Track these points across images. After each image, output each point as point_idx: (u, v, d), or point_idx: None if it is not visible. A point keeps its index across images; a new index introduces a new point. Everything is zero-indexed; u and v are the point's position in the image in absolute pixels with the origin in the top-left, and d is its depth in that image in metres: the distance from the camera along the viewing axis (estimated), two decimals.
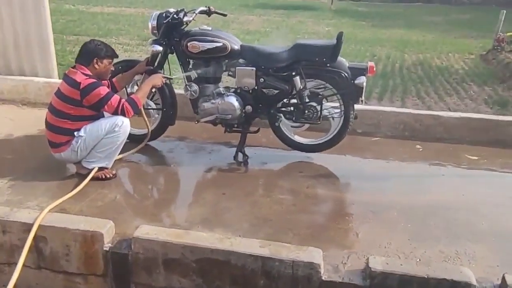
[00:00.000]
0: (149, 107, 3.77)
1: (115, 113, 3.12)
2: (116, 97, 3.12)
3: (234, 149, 3.74)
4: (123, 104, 3.12)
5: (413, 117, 4.14)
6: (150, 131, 3.71)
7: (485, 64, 9.67)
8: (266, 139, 3.90)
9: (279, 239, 2.58)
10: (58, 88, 3.17)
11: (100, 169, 3.24)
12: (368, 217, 2.89)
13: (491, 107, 6.11)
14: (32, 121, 4.23)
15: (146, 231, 2.52)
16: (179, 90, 3.90)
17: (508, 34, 10.82)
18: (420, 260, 2.47)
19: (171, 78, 3.61)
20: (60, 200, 2.85)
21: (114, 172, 3.30)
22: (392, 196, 3.14)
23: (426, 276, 2.24)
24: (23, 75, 4.81)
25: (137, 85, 3.79)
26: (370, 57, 8.98)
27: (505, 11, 11.22)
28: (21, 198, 2.97)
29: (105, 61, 3.18)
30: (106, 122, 3.13)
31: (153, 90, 3.73)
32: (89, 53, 3.14)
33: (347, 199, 3.13)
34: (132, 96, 3.26)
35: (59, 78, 5.00)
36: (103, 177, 3.24)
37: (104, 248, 2.55)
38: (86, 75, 3.08)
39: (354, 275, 2.37)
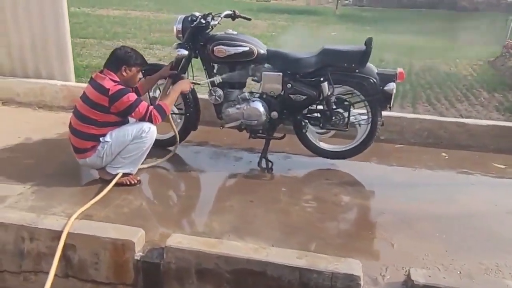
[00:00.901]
0: (172, 112, 3.71)
1: (142, 119, 3.07)
2: (144, 104, 3.06)
3: (257, 155, 3.68)
4: (151, 111, 3.06)
5: (437, 124, 4.08)
6: (178, 139, 3.64)
7: (493, 71, 9.63)
8: (288, 145, 3.83)
9: (312, 249, 2.52)
10: (84, 92, 3.10)
11: (125, 175, 3.18)
12: (401, 227, 2.83)
13: (502, 114, 6.06)
14: (50, 125, 4.18)
15: (179, 240, 2.46)
16: (201, 95, 3.84)
17: None
18: (461, 272, 2.41)
19: (199, 84, 3.55)
20: (86, 206, 2.79)
21: (138, 178, 3.24)
22: (423, 205, 3.08)
23: None
24: (39, 78, 4.76)
25: (159, 89, 3.75)
26: (378, 62, 8.92)
27: None
28: (45, 204, 2.90)
29: (134, 69, 3.11)
30: (133, 128, 3.07)
31: None
32: (118, 60, 3.08)
33: (376, 207, 3.06)
34: (160, 103, 3.20)
35: (76, 81, 4.96)
36: (128, 183, 3.18)
37: (135, 257, 2.49)
38: (114, 81, 3.03)
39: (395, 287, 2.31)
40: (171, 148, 3.71)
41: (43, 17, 4.59)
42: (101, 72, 3.10)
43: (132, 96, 3.03)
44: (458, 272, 2.40)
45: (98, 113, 3.02)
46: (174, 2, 17.90)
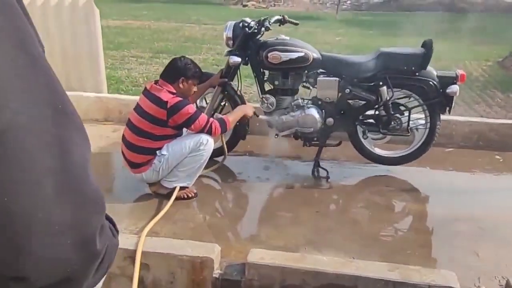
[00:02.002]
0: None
1: (201, 131, 2.95)
2: (204, 116, 2.95)
3: (307, 163, 3.59)
4: (211, 123, 2.95)
5: (487, 126, 3.99)
6: (226, 151, 3.51)
7: (504, 71, 9.60)
8: (337, 152, 3.73)
9: (397, 260, 2.40)
10: (138, 104, 2.98)
11: (181, 188, 3.05)
12: (480, 234, 2.73)
13: None
14: (89, 138, 4.04)
15: (261, 255, 2.33)
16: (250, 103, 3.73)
17: None
18: None
19: (257, 116, 3.43)
20: (154, 222, 2.67)
21: (195, 191, 3.11)
22: (494, 211, 2.98)
23: None
24: (70, 90, 4.62)
25: (205, 99, 3.64)
26: None
27: None
28: None
29: (191, 82, 2.98)
30: (190, 141, 2.94)
31: (223, 103, 3.58)
32: (177, 71, 2.95)
33: (448, 215, 2.95)
34: (223, 117, 3.09)
35: (108, 93, 4.84)
36: (185, 196, 3.05)
37: (214, 275, 2.36)
38: (171, 93, 2.90)
39: None
40: (218, 158, 3.59)
41: (74, 27, 4.48)
42: (156, 82, 2.98)
43: (192, 108, 2.92)
44: None
45: (155, 127, 2.89)
46: (173, 11, 17.81)
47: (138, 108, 2.98)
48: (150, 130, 2.91)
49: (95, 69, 4.60)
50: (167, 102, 2.85)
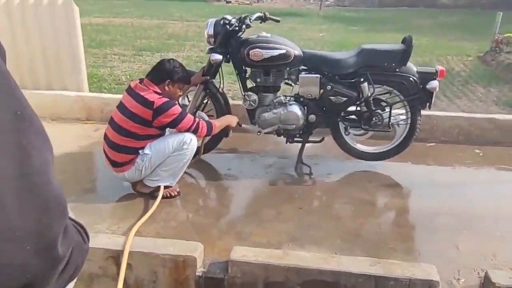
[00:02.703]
0: (203, 119, 3.59)
1: (186, 131, 2.94)
2: (190, 116, 2.96)
3: (290, 159, 3.60)
4: (198, 123, 2.97)
5: (467, 121, 4.04)
6: (202, 151, 3.49)
7: (484, 66, 9.73)
8: (320, 149, 3.75)
9: (379, 255, 2.43)
10: (122, 103, 2.95)
11: (165, 187, 3.04)
12: (460, 227, 2.76)
13: (502, 108, 6.10)
14: (69, 138, 4.00)
15: (243, 253, 2.34)
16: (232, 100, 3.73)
17: (506, 35, 10.94)
18: None
19: (240, 126, 3.44)
20: (140, 223, 2.65)
21: (178, 190, 3.10)
22: (474, 204, 3.02)
23: None
24: (51, 89, 4.57)
25: (187, 97, 3.63)
26: None
27: (502, 13, 11.36)
28: (87, 221, 2.69)
29: (177, 85, 2.98)
30: (173, 140, 2.93)
31: (206, 101, 3.57)
32: (164, 73, 2.93)
33: (429, 209, 2.98)
34: (211, 121, 3.11)
35: (91, 91, 4.80)
36: (168, 195, 3.04)
37: (197, 273, 2.36)
38: (157, 93, 2.88)
39: None
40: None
41: (54, 26, 4.40)
42: (141, 81, 2.96)
43: (178, 109, 2.90)
44: None
45: (139, 127, 2.87)
46: (156, 8, 17.67)
47: (122, 107, 2.95)
48: (134, 130, 2.89)
49: (76, 68, 4.54)
50: (153, 102, 2.83)
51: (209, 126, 3.04)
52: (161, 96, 2.87)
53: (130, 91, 2.94)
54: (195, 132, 2.95)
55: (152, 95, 2.84)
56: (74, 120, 4.44)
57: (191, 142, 2.96)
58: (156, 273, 2.37)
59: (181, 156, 2.96)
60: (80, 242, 0.65)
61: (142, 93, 2.85)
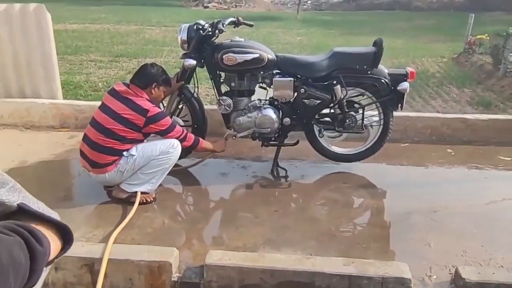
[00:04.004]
0: (178, 125, 3.58)
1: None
2: (179, 128, 3.09)
3: (266, 163, 3.62)
4: (186, 133, 3.10)
5: (440, 121, 4.13)
6: None
7: (458, 67, 9.95)
8: (296, 152, 3.77)
9: (353, 255, 2.47)
10: (106, 105, 2.96)
11: (141, 192, 3.02)
12: (432, 225, 2.82)
13: (475, 108, 6.26)
14: (43, 146, 3.95)
15: (218, 256, 2.35)
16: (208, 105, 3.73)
17: (478, 36, 11.20)
18: (502, 266, 2.41)
19: (234, 137, 3.47)
20: (118, 230, 2.63)
21: (154, 195, 3.09)
22: (446, 202, 3.08)
23: None
24: (24, 97, 4.51)
25: (162, 103, 3.62)
26: None
27: (473, 15, 11.63)
28: None
29: (161, 88, 3.09)
30: (161, 143, 2.99)
31: (180, 106, 3.57)
32: (149, 77, 3.01)
33: (403, 208, 3.03)
34: (200, 139, 3.22)
35: (67, 99, 4.75)
36: (144, 201, 3.03)
37: (172, 279, 2.36)
38: (149, 101, 2.98)
39: (444, 287, 2.28)
40: None
41: (26, 33, 4.35)
42: (126, 86, 3.01)
43: (169, 121, 3.03)
44: (500, 266, 2.41)
45: (129, 131, 2.91)
46: (133, 14, 17.56)
47: (107, 109, 2.95)
48: (121, 133, 2.91)
49: (49, 75, 4.48)
50: (148, 110, 2.91)
51: (196, 141, 3.16)
52: (155, 105, 2.97)
53: (116, 94, 2.96)
54: (182, 141, 3.06)
55: (146, 103, 2.94)
56: (48, 128, 4.38)
57: (178, 146, 3.02)
58: (131, 280, 2.37)
59: (165, 160, 2.99)
60: (18, 248, 0.64)
61: (134, 99, 2.92)
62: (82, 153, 3.01)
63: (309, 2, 24.18)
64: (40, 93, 4.52)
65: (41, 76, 4.48)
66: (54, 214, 0.85)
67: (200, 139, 3.21)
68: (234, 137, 3.44)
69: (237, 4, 23.70)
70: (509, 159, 3.78)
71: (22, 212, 0.75)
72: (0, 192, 0.72)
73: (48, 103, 4.40)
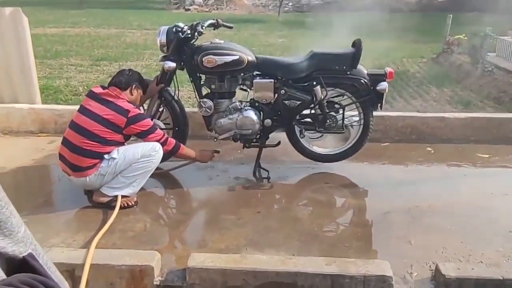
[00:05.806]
0: (160, 128, 3.55)
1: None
2: (159, 131, 3.07)
3: (247, 164, 3.62)
4: (166, 139, 3.07)
5: (419, 120, 4.18)
6: None
7: (438, 67, 10.11)
8: (278, 152, 3.78)
9: (335, 254, 2.48)
10: (86, 108, 2.94)
11: (122, 196, 3.00)
12: (412, 223, 2.85)
13: (455, 107, 6.36)
14: (22, 151, 3.89)
15: (201, 259, 2.34)
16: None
17: (457, 37, 11.38)
18: (482, 262, 2.45)
19: (218, 152, 3.47)
20: (100, 235, 2.60)
21: (135, 199, 3.06)
22: (426, 200, 3.12)
23: (501, 278, 2.21)
24: (2, 102, 4.43)
25: (142, 106, 3.60)
26: None
27: (451, 16, 11.83)
28: (41, 236, 2.67)
29: (140, 90, 3.14)
30: (143, 146, 2.97)
31: (161, 109, 3.55)
32: (128, 79, 3.05)
33: (384, 207, 3.06)
34: (181, 144, 3.20)
35: (47, 103, 4.69)
36: (126, 205, 3.00)
37: (155, 283, 2.34)
38: (130, 102, 2.99)
39: (425, 284, 2.31)
40: None
41: (2, 38, 4.28)
42: (104, 88, 3.02)
43: (150, 122, 3.03)
44: (479, 262, 2.45)
45: (109, 132, 2.90)
46: (113, 18, 17.43)
47: (87, 112, 2.93)
48: (102, 134, 2.89)
49: (27, 80, 4.42)
50: (128, 111, 2.92)
51: (176, 146, 3.14)
52: (135, 106, 2.99)
53: (95, 96, 2.97)
54: (162, 145, 3.04)
55: (127, 104, 2.96)
56: (27, 133, 4.32)
57: (159, 150, 3.00)
58: (113, 285, 2.34)
59: (147, 163, 2.97)
60: None
61: (114, 101, 2.93)
62: (61, 157, 2.98)
63: (290, 4, 24.27)
64: (18, 98, 4.46)
65: (19, 81, 4.41)
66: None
67: (182, 145, 3.20)
68: (215, 139, 3.43)
69: (219, 7, 23.69)
70: (487, 156, 3.84)
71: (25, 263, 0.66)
72: (4, 242, 0.63)
73: (26, 108, 4.34)
